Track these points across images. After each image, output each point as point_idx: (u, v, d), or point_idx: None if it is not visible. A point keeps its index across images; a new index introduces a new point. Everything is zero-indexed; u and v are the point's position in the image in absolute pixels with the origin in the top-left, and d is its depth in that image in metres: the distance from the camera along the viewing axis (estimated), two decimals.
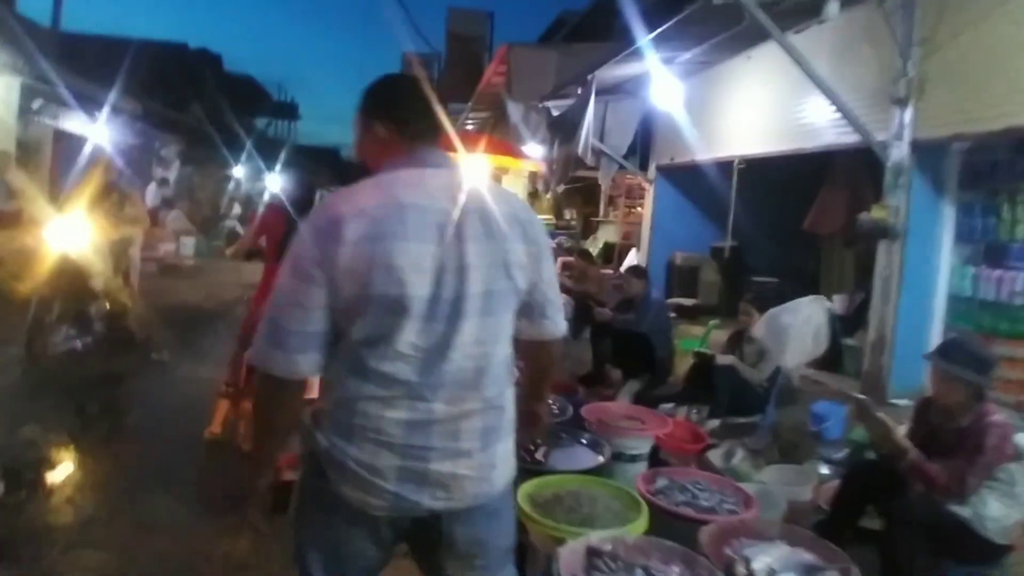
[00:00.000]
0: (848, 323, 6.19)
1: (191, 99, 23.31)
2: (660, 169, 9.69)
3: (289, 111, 35.42)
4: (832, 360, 5.70)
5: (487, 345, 1.56)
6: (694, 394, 4.95)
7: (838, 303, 6.73)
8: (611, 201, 15.09)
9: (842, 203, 7.23)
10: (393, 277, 1.44)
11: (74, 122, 11.59)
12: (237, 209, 18.15)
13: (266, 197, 18.44)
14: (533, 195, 15.61)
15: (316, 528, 1.60)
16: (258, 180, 24.04)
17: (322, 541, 1.59)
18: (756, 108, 7.35)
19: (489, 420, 1.58)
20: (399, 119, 1.59)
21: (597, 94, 8.43)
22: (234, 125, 23.44)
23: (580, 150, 8.34)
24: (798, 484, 3.63)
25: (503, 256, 1.55)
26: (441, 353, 1.50)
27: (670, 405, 5.05)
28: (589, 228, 14.79)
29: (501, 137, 11.92)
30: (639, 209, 14.54)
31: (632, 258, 9.94)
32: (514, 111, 10.56)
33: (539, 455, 2.97)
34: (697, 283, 9.28)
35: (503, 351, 1.62)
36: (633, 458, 3.38)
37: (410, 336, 1.48)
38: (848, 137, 5.55)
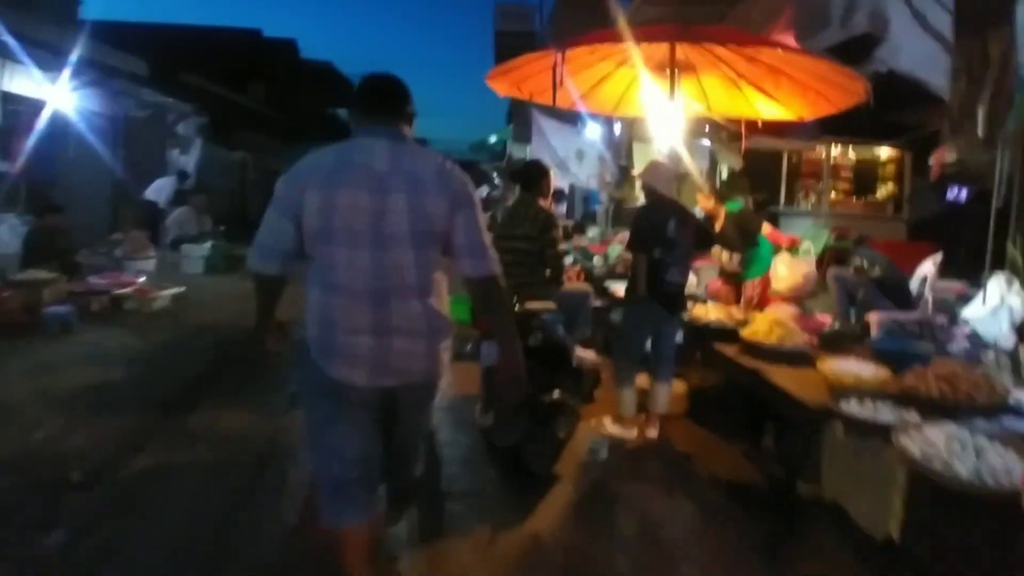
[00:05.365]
0: None
1: (254, 80, 20.31)
2: None
3: None
4: None
5: (412, 269, 2.16)
6: None
7: None
8: (799, 180, 10.07)
9: None
10: (338, 213, 2.11)
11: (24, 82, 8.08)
12: None
13: None
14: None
15: (314, 408, 2.31)
16: None
17: (320, 416, 2.30)
18: None
19: (417, 324, 2.20)
20: (361, 107, 2.32)
21: None
22: (306, 112, 20.22)
23: None
24: None
25: (422, 206, 2.15)
26: (376, 271, 2.14)
27: None
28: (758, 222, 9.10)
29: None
30: (844, 194, 9.53)
31: (930, 276, 4.99)
32: None
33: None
34: None
35: (426, 274, 2.20)
36: None
37: (353, 258, 2.13)
38: None
